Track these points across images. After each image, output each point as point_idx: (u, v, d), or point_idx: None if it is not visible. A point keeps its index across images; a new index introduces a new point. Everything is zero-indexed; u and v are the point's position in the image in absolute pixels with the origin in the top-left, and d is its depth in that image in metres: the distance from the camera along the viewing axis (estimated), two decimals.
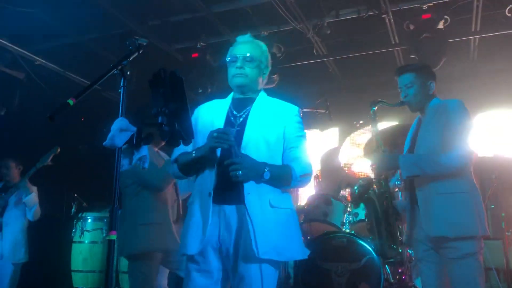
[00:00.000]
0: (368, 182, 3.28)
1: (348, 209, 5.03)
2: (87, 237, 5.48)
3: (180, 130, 2.02)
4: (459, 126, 2.74)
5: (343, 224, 4.94)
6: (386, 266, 4.51)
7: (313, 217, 4.92)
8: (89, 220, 5.58)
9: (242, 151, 2.26)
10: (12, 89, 6.14)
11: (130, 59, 2.08)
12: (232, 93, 2.56)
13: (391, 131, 4.54)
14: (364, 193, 3.23)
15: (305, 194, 5.52)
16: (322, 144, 7.06)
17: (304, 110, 4.84)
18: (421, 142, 2.89)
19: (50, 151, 4.82)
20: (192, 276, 2.30)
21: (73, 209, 5.88)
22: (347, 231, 4.82)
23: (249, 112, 2.41)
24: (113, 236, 1.87)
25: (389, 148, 4.54)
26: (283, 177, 2.30)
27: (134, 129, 1.97)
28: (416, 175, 2.76)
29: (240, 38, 2.51)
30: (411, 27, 4.92)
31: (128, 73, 2.05)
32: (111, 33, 5.67)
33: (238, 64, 2.39)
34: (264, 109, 2.43)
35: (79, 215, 5.72)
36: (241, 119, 2.40)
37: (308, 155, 2.42)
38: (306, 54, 6.06)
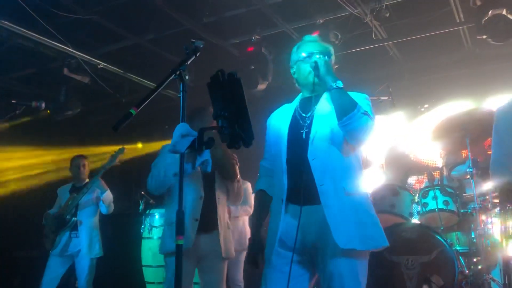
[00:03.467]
0: None
1: (417, 199, 4.83)
2: (156, 233, 5.64)
3: (240, 133, 2.00)
4: None
5: (411, 214, 4.74)
6: (460, 257, 4.29)
7: (380, 208, 4.73)
8: (157, 217, 5.74)
9: (309, 150, 2.28)
10: (79, 92, 6.42)
11: (188, 63, 2.08)
12: (300, 94, 2.56)
13: (460, 117, 4.26)
14: None
15: (371, 184, 5.35)
16: (386, 131, 6.82)
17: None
18: None
19: (116, 152, 5.01)
20: (268, 276, 2.31)
21: (141, 206, 6.07)
22: (417, 222, 4.63)
23: (315, 109, 2.39)
24: (181, 241, 1.88)
25: (458, 134, 4.32)
26: (348, 101, 2.25)
27: (196, 133, 1.96)
28: None
29: (307, 37, 2.56)
30: (478, 2, 4.59)
31: (187, 77, 2.05)
32: (168, 33, 5.76)
33: (317, 55, 2.43)
34: (329, 105, 2.37)
35: (147, 212, 5.90)
36: (309, 120, 2.39)
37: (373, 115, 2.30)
38: (365, 39, 5.85)
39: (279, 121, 2.51)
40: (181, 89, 2.00)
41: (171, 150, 1.92)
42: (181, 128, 1.94)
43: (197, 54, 2.17)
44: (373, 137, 2.30)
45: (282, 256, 2.27)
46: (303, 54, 2.48)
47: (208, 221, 3.16)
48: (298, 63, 2.50)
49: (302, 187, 2.22)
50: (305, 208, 2.24)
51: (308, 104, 2.45)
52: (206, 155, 2.05)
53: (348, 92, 2.40)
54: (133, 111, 1.74)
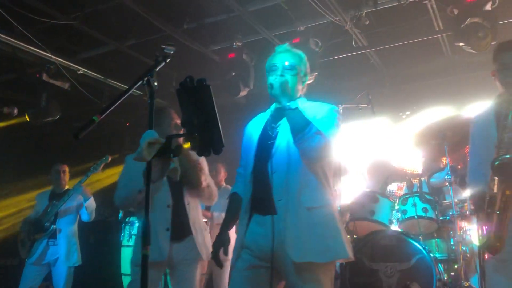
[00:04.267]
0: None
1: (396, 206, 4.83)
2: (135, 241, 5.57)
3: (210, 139, 1.97)
4: None
5: (391, 222, 4.75)
6: (439, 264, 4.29)
7: (359, 215, 4.75)
8: (137, 224, 5.67)
9: (271, 160, 2.32)
10: (58, 98, 6.33)
11: (157, 69, 2.05)
12: (273, 104, 2.58)
13: (439, 124, 4.29)
14: None
15: (351, 192, 5.35)
16: (367, 139, 6.85)
17: (345, 105, 4.71)
18: None
19: (101, 160, 4.96)
20: (233, 279, 2.38)
21: (120, 214, 6.00)
22: (396, 229, 4.64)
23: (280, 124, 2.43)
24: (146, 252, 1.84)
25: (437, 141, 4.34)
26: (302, 120, 2.27)
27: (163, 141, 1.93)
28: None
29: (278, 48, 2.55)
30: (455, 11, 4.64)
31: (156, 83, 2.02)
32: (148, 39, 5.72)
33: (279, 72, 2.43)
34: (297, 116, 2.36)
35: (127, 220, 5.84)
36: (277, 130, 2.43)
37: (338, 130, 2.36)
38: (345, 47, 5.88)
39: (253, 130, 2.56)
40: (148, 95, 1.96)
41: (138, 158, 1.88)
42: (148, 135, 1.90)
43: (167, 61, 2.13)
44: (331, 155, 2.36)
45: (245, 260, 2.34)
46: (268, 68, 2.51)
47: (180, 229, 3.12)
48: (266, 75, 2.52)
49: (265, 198, 2.29)
50: (267, 218, 2.29)
51: (279, 115, 2.48)
52: (174, 163, 2.01)
53: (317, 103, 2.47)
54: (96, 118, 1.70)
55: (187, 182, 3.16)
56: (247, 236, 2.36)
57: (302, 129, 2.23)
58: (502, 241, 2.50)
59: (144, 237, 1.87)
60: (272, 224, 2.25)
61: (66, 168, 5.15)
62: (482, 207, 2.60)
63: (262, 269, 2.31)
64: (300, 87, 2.52)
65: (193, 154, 2.92)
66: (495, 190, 2.54)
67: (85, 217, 5.01)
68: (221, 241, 2.49)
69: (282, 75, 2.41)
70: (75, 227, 5.02)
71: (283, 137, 2.38)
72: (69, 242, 4.87)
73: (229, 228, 2.57)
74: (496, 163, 2.47)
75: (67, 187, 5.06)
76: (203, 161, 3.32)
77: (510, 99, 2.61)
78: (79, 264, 4.94)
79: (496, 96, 2.83)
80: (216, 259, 2.48)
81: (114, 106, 1.78)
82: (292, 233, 2.21)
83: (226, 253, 2.47)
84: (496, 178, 2.52)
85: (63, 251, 4.80)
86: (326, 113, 2.38)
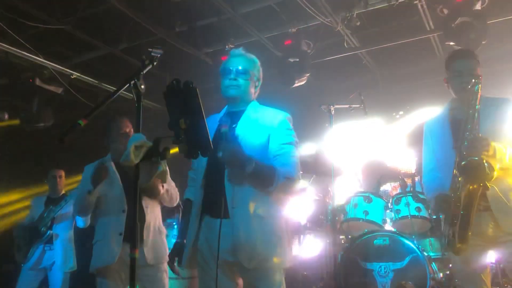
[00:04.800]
0: None
1: (390, 205, 4.85)
2: None
3: (197, 142, 1.98)
4: None
5: (384, 221, 4.77)
6: (433, 263, 4.31)
7: (353, 215, 4.77)
8: None
9: (226, 172, 2.34)
10: (52, 104, 6.33)
11: (143, 72, 2.05)
12: (226, 107, 2.63)
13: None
14: None
15: (344, 192, 5.36)
16: (360, 139, 6.86)
17: (337, 106, 4.72)
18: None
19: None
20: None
21: None
22: (389, 229, 4.66)
23: (235, 127, 2.46)
24: (133, 255, 1.85)
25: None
26: (266, 174, 2.33)
27: (150, 144, 1.93)
28: None
29: (233, 52, 2.61)
30: (445, 11, 4.67)
31: (143, 86, 2.02)
32: (141, 42, 5.73)
33: (232, 76, 2.49)
34: (251, 120, 2.48)
35: None
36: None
37: (296, 161, 2.44)
38: (337, 48, 5.91)
39: None
40: (135, 99, 1.97)
41: (125, 161, 1.88)
42: (135, 139, 1.91)
43: (154, 64, 2.13)
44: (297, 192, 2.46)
45: (206, 263, 2.40)
46: (222, 71, 2.57)
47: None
48: (220, 78, 2.59)
49: (218, 202, 2.33)
50: (218, 221, 2.32)
51: (233, 116, 2.52)
52: (162, 165, 2.02)
53: (273, 109, 2.55)
54: (81, 122, 1.71)
55: (144, 191, 3.22)
56: (200, 238, 2.42)
57: (270, 183, 2.32)
58: (466, 241, 2.58)
59: (133, 239, 1.88)
60: (220, 227, 2.28)
61: (63, 174, 5.13)
62: (447, 208, 2.68)
63: (211, 270, 2.34)
64: (252, 91, 2.57)
65: None
66: (459, 191, 2.60)
67: (80, 223, 4.98)
68: (177, 250, 2.53)
69: (235, 79, 2.48)
70: (71, 233, 4.99)
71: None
72: (65, 247, 4.86)
73: (185, 235, 2.57)
74: (463, 163, 2.55)
75: (63, 192, 5.05)
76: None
77: (464, 104, 2.70)
78: (75, 269, 4.92)
79: (448, 101, 3.00)
80: (171, 267, 2.55)
81: (99, 110, 1.79)
82: (244, 239, 2.28)
83: (180, 262, 2.50)
84: (460, 178, 2.60)
85: (59, 256, 4.79)
86: (280, 124, 2.45)
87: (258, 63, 2.62)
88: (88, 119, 1.72)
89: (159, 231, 3.33)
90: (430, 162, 3.00)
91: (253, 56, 2.62)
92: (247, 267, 2.28)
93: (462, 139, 2.63)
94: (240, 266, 2.32)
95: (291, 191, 2.49)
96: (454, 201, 2.64)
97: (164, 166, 2.05)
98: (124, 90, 1.96)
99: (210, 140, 2.00)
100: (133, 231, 1.89)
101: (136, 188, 1.93)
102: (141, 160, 1.91)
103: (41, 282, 4.88)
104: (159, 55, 2.17)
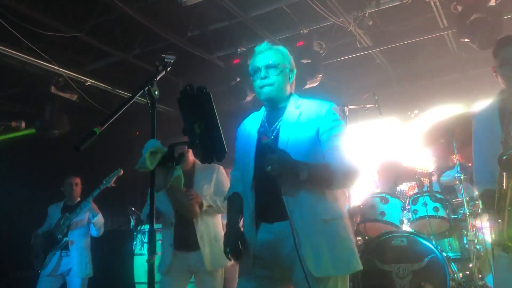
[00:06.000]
0: None
1: (407, 206, 4.79)
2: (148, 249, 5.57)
3: (212, 147, 1.97)
4: None
5: (402, 222, 4.71)
6: (452, 264, 4.24)
7: (370, 217, 4.72)
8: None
9: None
10: (67, 111, 6.40)
11: (157, 79, 2.05)
12: (263, 107, 2.46)
13: (447, 122, 4.24)
14: None
15: (360, 193, 5.32)
16: (375, 139, 6.81)
17: (351, 107, 4.69)
18: None
19: (113, 173, 4.99)
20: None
21: (131, 223, 6.01)
22: (407, 229, 4.60)
23: (280, 126, 2.28)
24: (151, 260, 1.86)
25: (446, 139, 4.30)
26: (324, 176, 2.15)
27: (165, 149, 1.94)
28: None
29: (258, 48, 2.41)
30: (459, 8, 4.60)
31: (156, 92, 2.03)
32: (153, 48, 5.76)
33: (262, 74, 2.29)
34: (295, 116, 2.29)
35: (138, 228, 5.84)
36: (274, 133, 2.27)
37: (350, 152, 2.23)
38: (350, 48, 5.87)
39: (248, 131, 2.41)
40: (149, 105, 1.98)
41: (140, 167, 1.89)
42: (151, 145, 1.91)
43: (168, 69, 2.14)
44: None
45: (256, 271, 2.22)
46: (251, 71, 2.40)
47: (183, 244, 3.41)
48: (252, 80, 2.41)
49: (273, 207, 2.16)
50: (276, 225, 2.18)
51: (272, 117, 2.35)
52: (177, 171, 2.02)
53: (316, 100, 2.34)
54: (97, 130, 1.71)
55: (184, 213, 3.36)
56: (257, 245, 2.21)
57: (331, 184, 2.16)
58: None
59: (150, 247, 1.89)
60: (283, 229, 2.12)
61: (79, 181, 5.19)
62: (493, 204, 2.57)
63: (271, 280, 2.21)
64: (288, 85, 2.36)
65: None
66: (505, 186, 2.50)
67: (93, 233, 5.06)
68: (237, 234, 2.29)
69: (266, 77, 2.29)
70: (87, 239, 5.06)
71: (288, 140, 2.23)
72: (81, 254, 4.91)
73: (238, 223, 2.40)
74: (504, 157, 2.43)
75: (79, 199, 5.10)
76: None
77: None
78: (91, 276, 4.98)
79: (498, 92, 2.80)
80: (236, 251, 2.25)
81: (115, 117, 1.79)
82: (309, 246, 2.08)
83: (243, 245, 2.25)
84: (504, 173, 2.48)
85: (76, 262, 4.84)
86: (326, 114, 2.26)
87: (288, 52, 2.40)
88: (104, 127, 1.72)
89: (215, 239, 3.45)
90: (480, 156, 2.82)
91: (280, 46, 2.41)
92: (315, 275, 2.05)
93: (506, 131, 2.48)
94: (298, 275, 2.08)
95: (353, 185, 2.26)
96: (499, 196, 2.52)
97: (180, 171, 2.04)
98: (137, 96, 1.98)
99: (225, 143, 1.98)
100: (151, 239, 1.89)
101: (153, 195, 1.94)
102: (156, 166, 1.92)
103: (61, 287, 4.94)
104: (172, 61, 2.17)
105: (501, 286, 2.65)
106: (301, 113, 2.29)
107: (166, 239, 3.50)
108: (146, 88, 1.97)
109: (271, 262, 2.20)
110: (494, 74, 2.77)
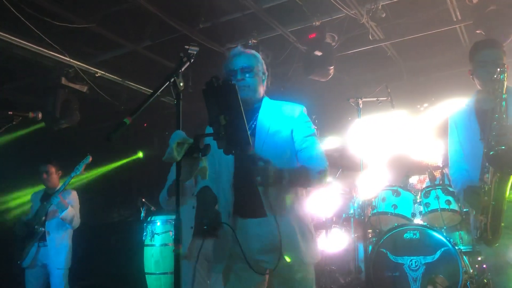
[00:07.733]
0: None
1: (419, 199, 4.81)
2: (158, 240, 5.57)
3: (237, 138, 1.98)
4: None
5: (414, 215, 4.73)
6: (464, 257, 4.26)
7: (382, 210, 4.74)
8: (158, 223, 5.68)
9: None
10: (77, 101, 6.39)
11: (182, 70, 2.05)
12: None
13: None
14: None
15: (372, 186, 5.31)
16: (386, 132, 6.79)
17: (364, 99, 4.69)
18: None
19: (82, 161, 4.90)
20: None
21: (142, 214, 6.03)
22: (419, 222, 4.61)
23: (255, 125, 2.40)
24: (177, 250, 1.87)
25: None
26: (303, 179, 2.34)
27: (191, 140, 1.94)
28: None
29: (232, 52, 2.51)
30: (474, 0, 4.57)
31: (182, 84, 2.03)
32: (164, 39, 5.75)
33: (238, 76, 2.40)
34: (269, 117, 2.43)
35: (149, 219, 5.86)
36: (249, 132, 2.30)
37: (322, 151, 2.45)
38: (362, 40, 5.84)
39: None
40: (175, 97, 1.98)
41: (168, 158, 1.89)
42: (177, 136, 1.92)
43: (192, 61, 2.14)
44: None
45: (236, 264, 2.35)
46: (226, 74, 2.47)
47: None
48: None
49: (251, 203, 2.30)
50: (252, 221, 2.31)
51: (248, 115, 2.34)
52: (203, 162, 2.03)
53: (286, 103, 2.50)
54: (127, 120, 1.72)
55: None
56: (231, 242, 2.30)
57: (308, 183, 2.41)
58: (499, 232, 2.58)
59: (176, 236, 1.90)
60: (259, 225, 2.29)
61: (52, 169, 4.99)
62: (476, 201, 2.66)
63: (249, 271, 2.28)
64: (261, 87, 2.49)
65: None
66: (489, 181, 2.59)
67: (67, 226, 4.87)
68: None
69: (242, 79, 2.40)
70: (65, 230, 4.89)
71: (264, 138, 2.37)
72: (59, 245, 4.79)
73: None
74: (492, 153, 2.52)
75: (59, 186, 4.93)
76: None
77: (490, 94, 2.69)
78: (69, 266, 4.86)
79: (474, 93, 2.97)
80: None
81: (143, 108, 1.80)
82: (285, 234, 2.25)
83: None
84: (491, 168, 2.59)
85: (53, 253, 4.74)
86: (299, 119, 2.43)
87: (260, 56, 2.54)
88: (133, 117, 1.73)
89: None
90: (456, 154, 2.98)
91: (253, 51, 2.54)
92: (286, 264, 2.25)
93: (489, 129, 2.61)
94: (274, 264, 2.26)
95: (325, 183, 2.44)
96: (483, 192, 2.63)
97: (205, 162, 2.04)
98: (147, 88, 1.96)
99: (249, 136, 1.99)
100: (177, 228, 1.90)
101: (178, 185, 1.95)
102: (182, 156, 1.93)
103: (47, 279, 4.84)
104: (195, 52, 2.18)
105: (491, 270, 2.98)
106: (274, 115, 2.44)
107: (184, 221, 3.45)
108: (172, 80, 1.98)
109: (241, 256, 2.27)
110: (471, 76, 2.93)
